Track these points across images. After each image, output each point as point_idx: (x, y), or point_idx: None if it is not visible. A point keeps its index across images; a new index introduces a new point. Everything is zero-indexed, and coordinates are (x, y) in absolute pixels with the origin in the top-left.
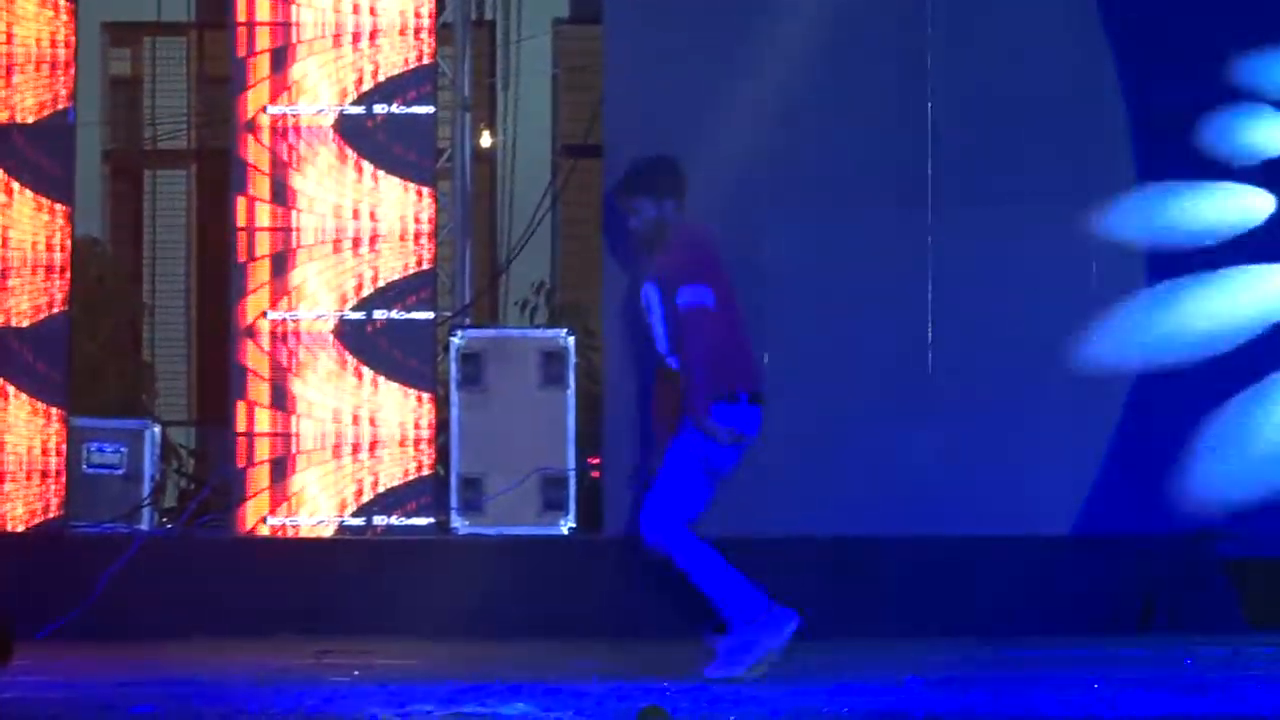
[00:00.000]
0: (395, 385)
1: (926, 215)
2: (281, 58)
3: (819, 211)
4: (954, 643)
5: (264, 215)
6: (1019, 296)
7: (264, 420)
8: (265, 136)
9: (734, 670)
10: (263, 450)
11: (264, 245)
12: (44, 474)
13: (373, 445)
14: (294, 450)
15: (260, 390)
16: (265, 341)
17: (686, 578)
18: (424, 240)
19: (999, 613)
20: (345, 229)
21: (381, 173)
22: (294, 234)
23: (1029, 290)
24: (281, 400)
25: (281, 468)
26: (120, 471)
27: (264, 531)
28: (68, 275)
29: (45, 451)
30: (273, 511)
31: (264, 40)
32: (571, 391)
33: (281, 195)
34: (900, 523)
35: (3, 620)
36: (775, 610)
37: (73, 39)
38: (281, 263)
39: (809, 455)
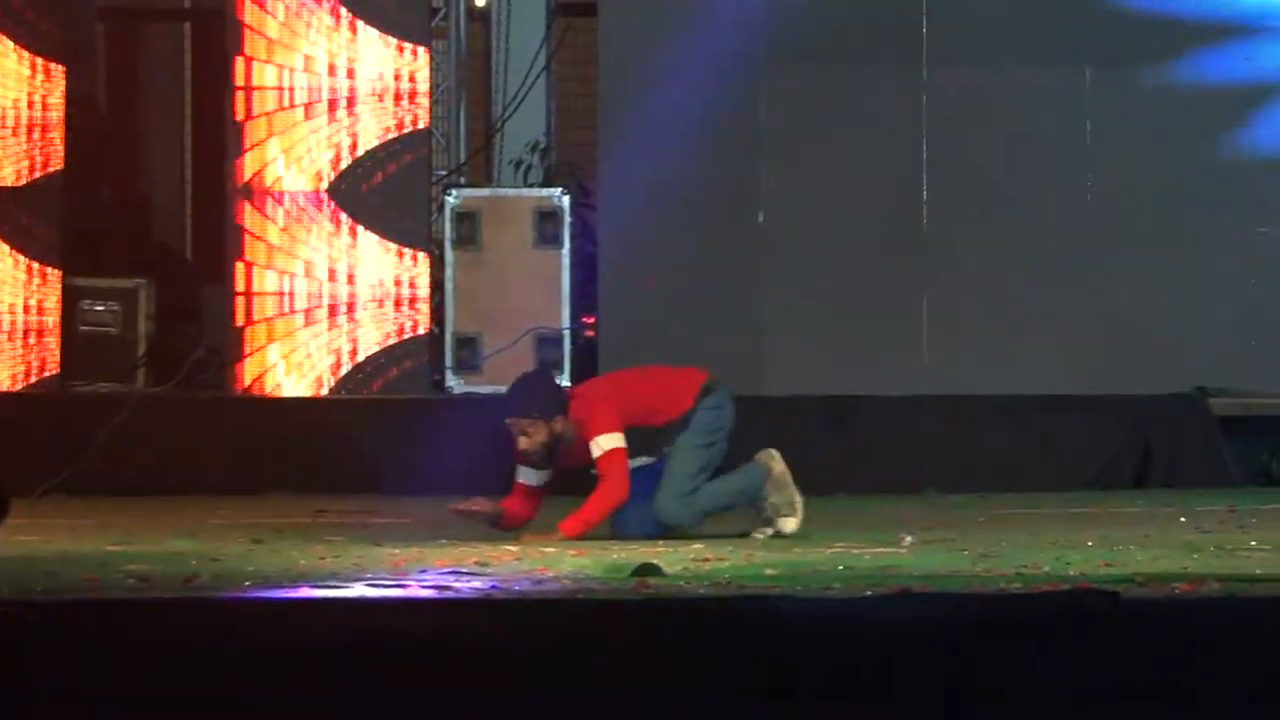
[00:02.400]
0: (390, 244)
1: (922, 74)
2: None
3: (815, 73)
4: (952, 500)
5: (260, 74)
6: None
7: (259, 280)
8: None
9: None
10: (258, 310)
11: (259, 104)
12: (40, 333)
13: (368, 305)
14: (288, 309)
15: (255, 250)
16: (260, 201)
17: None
18: (419, 99)
19: (996, 470)
20: (340, 88)
21: (375, 32)
22: (288, 93)
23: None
24: (276, 260)
25: (276, 327)
26: (115, 330)
27: (259, 391)
28: (62, 134)
29: (41, 310)
30: (267, 370)
31: None
32: (567, 250)
33: (276, 55)
34: (897, 382)
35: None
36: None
37: None
38: (275, 122)
39: (804, 313)
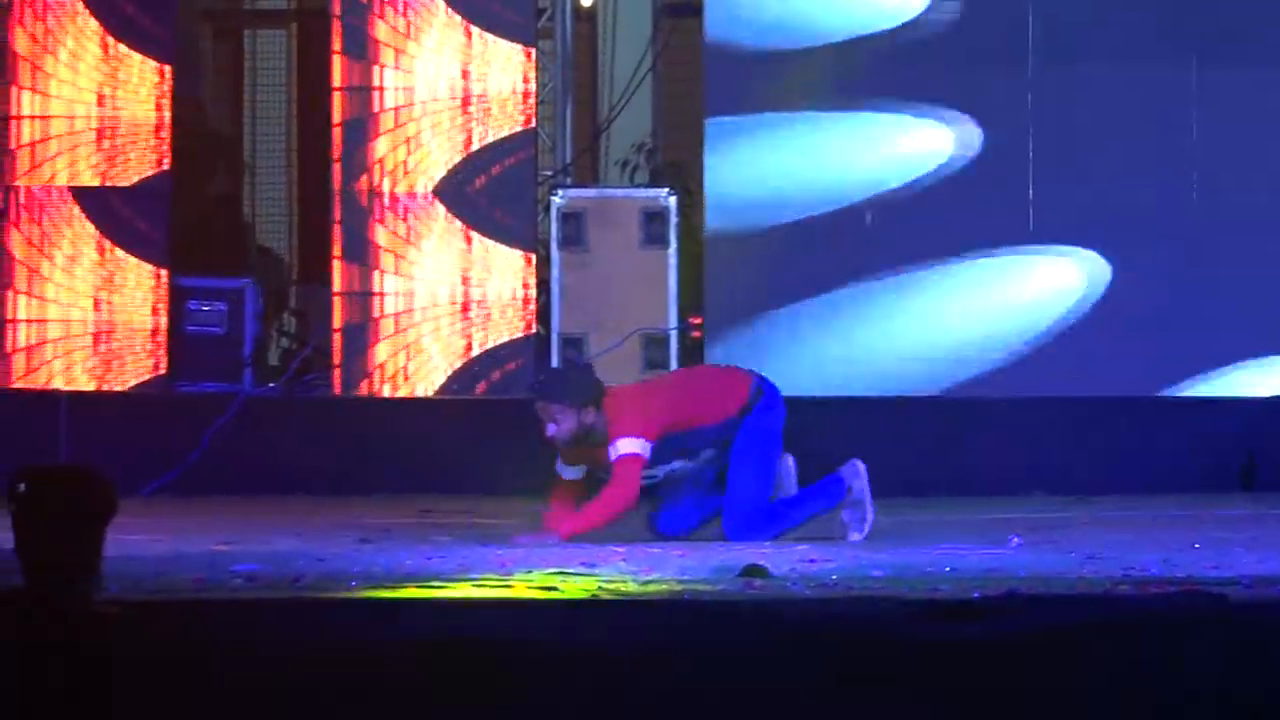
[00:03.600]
0: (497, 245)
1: (1027, 69)
2: None
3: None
4: (1056, 503)
5: (366, 76)
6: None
7: (364, 280)
8: None
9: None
10: (363, 310)
11: (365, 106)
12: (148, 333)
13: (474, 305)
14: (395, 310)
15: (361, 250)
16: (366, 202)
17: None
18: (525, 100)
19: (1101, 473)
20: (447, 90)
21: (483, 32)
22: (392, 93)
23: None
24: (381, 260)
25: (383, 327)
26: (222, 331)
27: (365, 391)
28: (170, 135)
29: (149, 311)
30: (373, 371)
31: None
32: (673, 250)
33: (379, 55)
34: (1004, 384)
35: (105, 478)
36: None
37: None
38: (380, 122)
39: (912, 314)
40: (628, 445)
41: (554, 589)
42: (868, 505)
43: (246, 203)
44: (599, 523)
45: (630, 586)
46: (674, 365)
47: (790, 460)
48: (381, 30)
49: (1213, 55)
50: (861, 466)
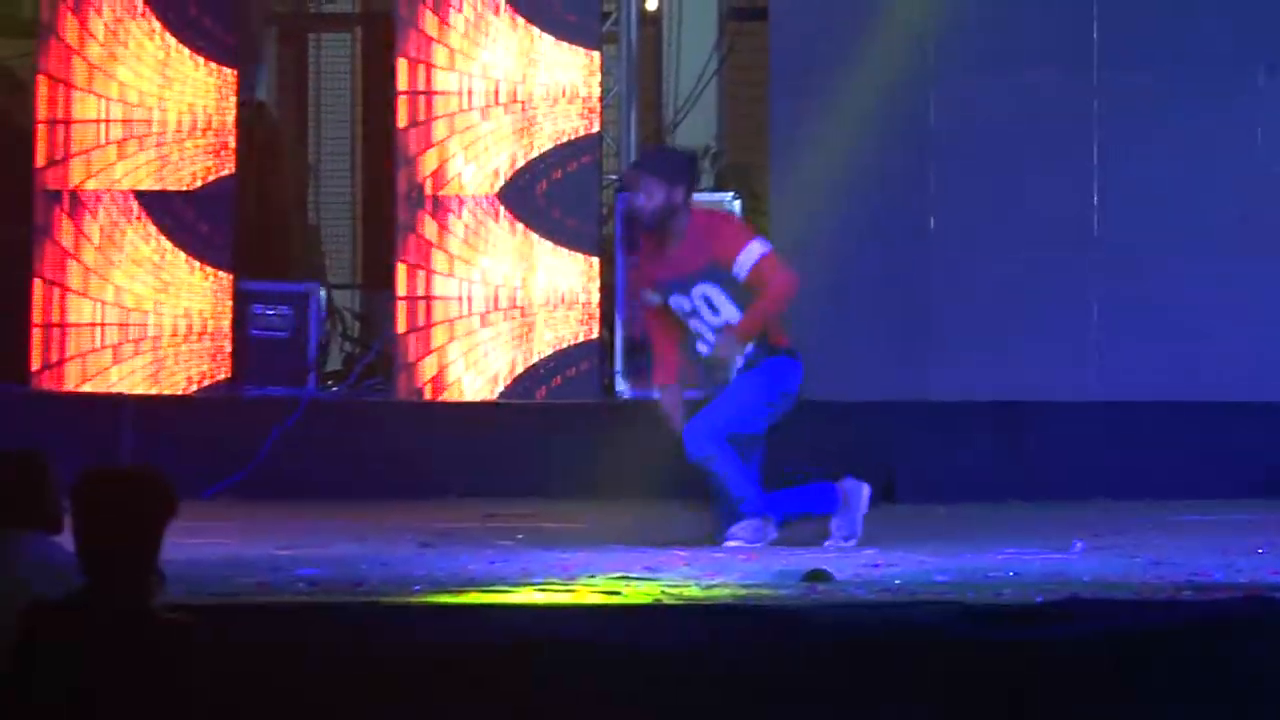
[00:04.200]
0: (560, 248)
1: (1092, 79)
2: None
3: (986, 78)
4: (1121, 506)
5: (432, 79)
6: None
7: (428, 284)
8: (430, 0)
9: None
10: (427, 314)
11: (431, 109)
12: (211, 336)
13: (538, 309)
14: (459, 314)
15: (424, 253)
16: (432, 205)
17: (723, 481)
18: (591, 104)
19: (1165, 476)
20: (511, 92)
21: (548, 36)
22: (460, 97)
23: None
24: (445, 264)
25: (446, 331)
26: (286, 334)
27: (429, 395)
28: (234, 138)
29: (212, 314)
30: (437, 375)
31: None
32: None
33: (445, 59)
34: (1066, 387)
35: (165, 479)
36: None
37: None
38: (446, 127)
39: (974, 318)
40: (757, 247)
41: (617, 594)
42: (860, 523)
43: (311, 206)
44: (774, 313)
45: (693, 591)
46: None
47: (865, 490)
48: (446, 34)
49: None
50: (866, 489)
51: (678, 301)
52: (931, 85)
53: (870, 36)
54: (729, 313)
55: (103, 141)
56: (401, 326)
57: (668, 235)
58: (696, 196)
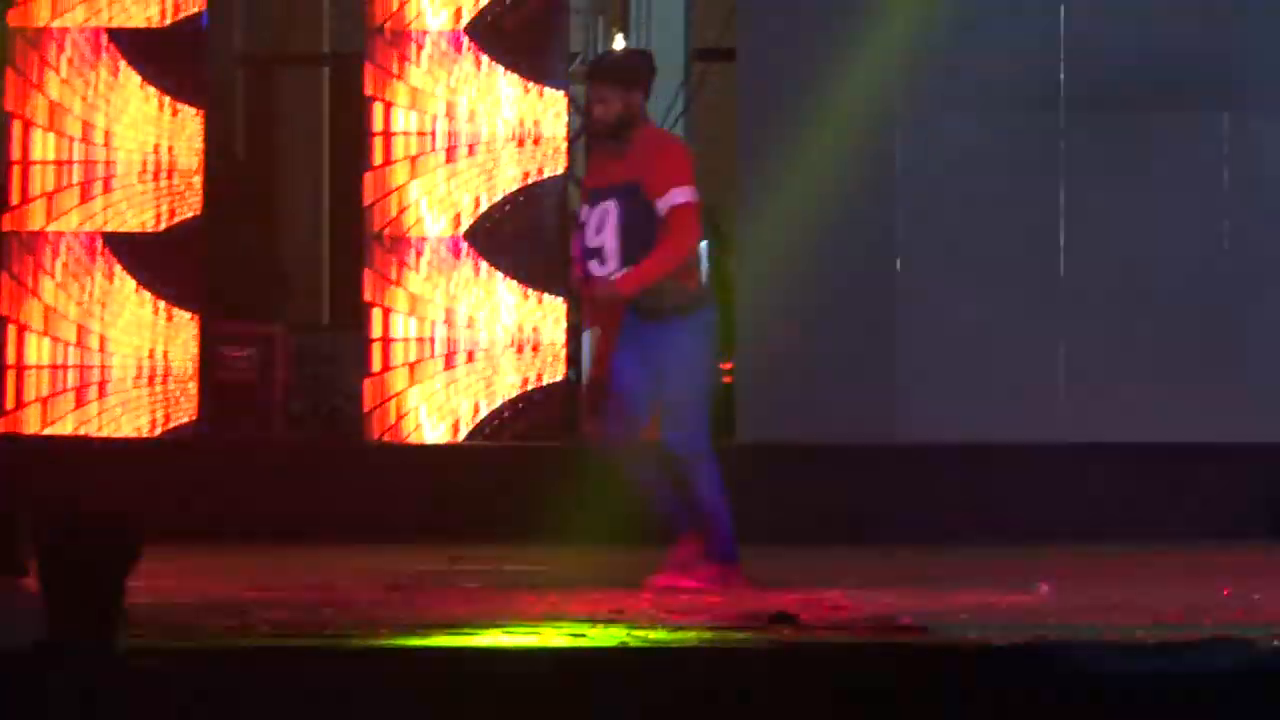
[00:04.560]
0: (526, 290)
1: (1059, 120)
2: None
3: (953, 118)
4: (1086, 548)
5: (398, 120)
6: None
7: (395, 326)
8: (399, 41)
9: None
10: (394, 356)
11: (398, 150)
12: (177, 378)
13: (505, 351)
14: (425, 355)
15: (392, 295)
16: (398, 246)
17: (693, 495)
18: (556, 144)
19: (1131, 518)
20: (478, 134)
21: (514, 77)
22: (426, 138)
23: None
24: (409, 305)
25: (413, 373)
26: (252, 377)
27: (395, 437)
28: (202, 179)
29: (179, 357)
30: (404, 417)
31: None
32: None
33: (414, 100)
34: (1031, 428)
35: (133, 524)
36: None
37: None
38: (414, 167)
39: (941, 359)
40: (685, 194)
41: (583, 636)
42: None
43: (279, 248)
44: (656, 274)
45: (660, 634)
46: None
47: None
48: (411, 73)
49: None
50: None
51: (584, 212)
52: (898, 126)
53: (837, 77)
54: (610, 247)
55: (72, 183)
56: (368, 368)
57: (620, 145)
58: None
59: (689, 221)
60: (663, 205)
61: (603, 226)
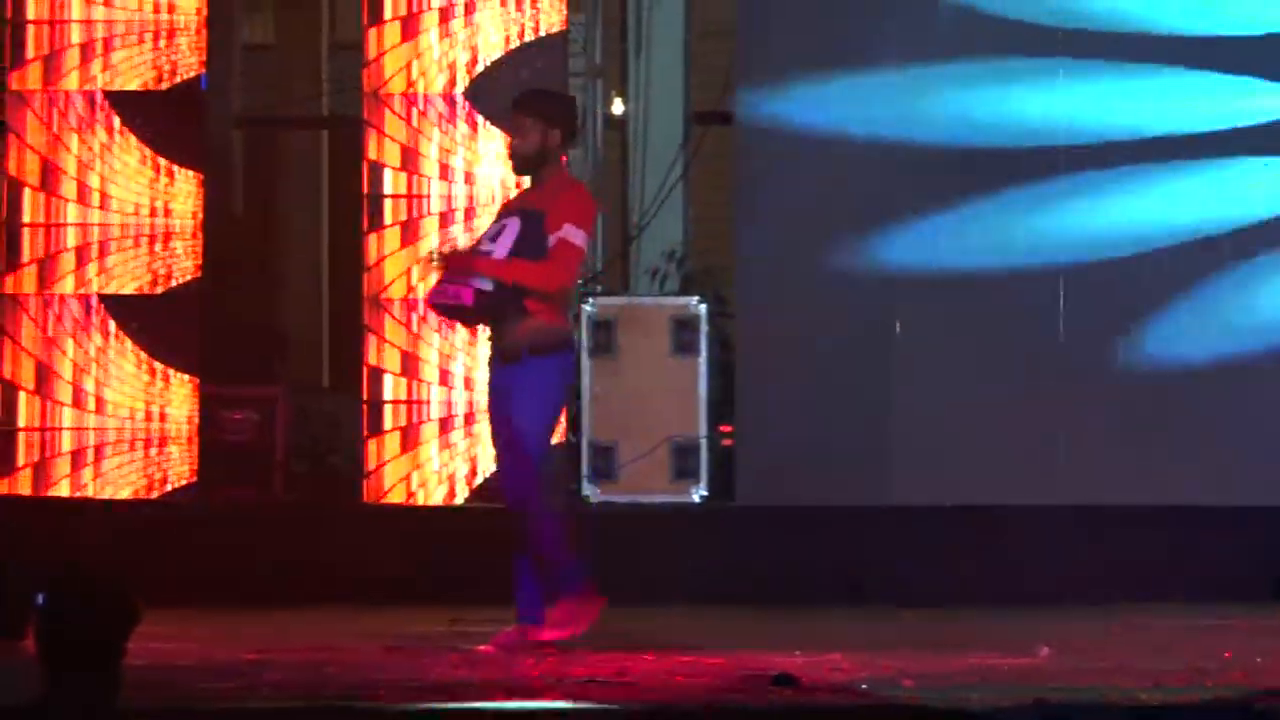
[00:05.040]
0: None
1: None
2: (413, 25)
3: (952, 175)
4: (1086, 610)
5: (395, 183)
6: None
7: (395, 388)
8: (395, 104)
9: (566, 634)
10: (393, 418)
11: (394, 212)
12: (175, 441)
13: None
14: (424, 418)
15: (391, 358)
16: (396, 309)
17: (534, 541)
18: None
19: (1132, 580)
20: (477, 196)
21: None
22: (424, 201)
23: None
24: (412, 368)
25: (412, 435)
26: (251, 439)
27: (394, 500)
28: (200, 241)
29: (179, 419)
30: (403, 479)
31: (396, 6)
32: (704, 358)
33: (412, 163)
34: (1030, 492)
35: (130, 586)
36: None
37: (206, 6)
38: (413, 230)
39: (940, 420)
40: (579, 237)
41: (585, 698)
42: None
43: (278, 310)
44: (511, 277)
45: (662, 696)
46: (704, 475)
47: None
48: (414, 138)
49: None
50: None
51: (502, 222)
52: (899, 188)
53: (836, 141)
54: (494, 249)
55: (70, 245)
56: (367, 430)
57: (534, 183)
58: (660, 300)
59: (569, 258)
60: (554, 237)
61: (497, 236)
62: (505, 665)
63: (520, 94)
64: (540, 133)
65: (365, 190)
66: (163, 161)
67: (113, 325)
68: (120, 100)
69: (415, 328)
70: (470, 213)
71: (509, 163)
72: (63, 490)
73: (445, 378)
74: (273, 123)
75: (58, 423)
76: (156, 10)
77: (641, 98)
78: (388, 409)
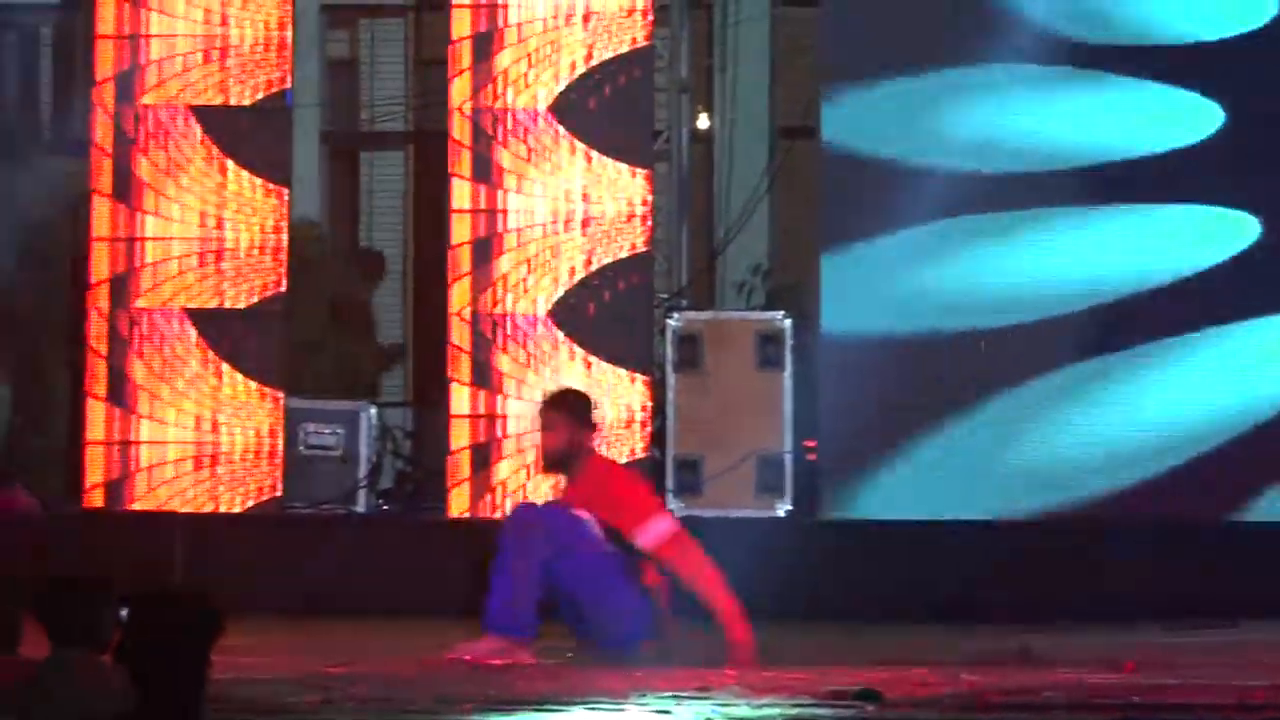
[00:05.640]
0: (611, 368)
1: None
2: (497, 41)
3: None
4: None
5: (479, 198)
6: None
7: (479, 402)
8: (482, 119)
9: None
10: (477, 432)
11: (481, 228)
12: (260, 454)
13: None
14: (508, 432)
15: (476, 372)
16: (480, 324)
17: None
18: (642, 223)
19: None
20: (561, 211)
21: (598, 155)
22: (510, 216)
23: None
24: (496, 383)
25: (496, 449)
26: (336, 453)
27: (480, 513)
28: (285, 257)
29: (262, 433)
30: (489, 493)
31: (480, 22)
32: (789, 373)
33: (497, 178)
34: (1115, 507)
35: (210, 599)
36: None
37: (290, 22)
38: (497, 245)
39: (1030, 438)
40: (661, 523)
41: (668, 713)
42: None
43: (362, 324)
44: (727, 598)
45: (744, 711)
46: (789, 489)
47: None
48: (499, 153)
49: None
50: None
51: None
52: (983, 202)
53: (921, 158)
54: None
55: (154, 260)
56: (452, 445)
57: (570, 473)
58: (745, 315)
59: (685, 543)
60: (646, 539)
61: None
62: (588, 679)
63: (549, 394)
64: (568, 431)
65: (448, 205)
66: (251, 177)
67: (198, 338)
68: (207, 115)
69: (501, 343)
70: (553, 228)
71: (540, 456)
72: (152, 503)
73: (526, 391)
74: (357, 138)
75: (148, 437)
76: (240, 26)
77: (727, 113)
78: (472, 423)
